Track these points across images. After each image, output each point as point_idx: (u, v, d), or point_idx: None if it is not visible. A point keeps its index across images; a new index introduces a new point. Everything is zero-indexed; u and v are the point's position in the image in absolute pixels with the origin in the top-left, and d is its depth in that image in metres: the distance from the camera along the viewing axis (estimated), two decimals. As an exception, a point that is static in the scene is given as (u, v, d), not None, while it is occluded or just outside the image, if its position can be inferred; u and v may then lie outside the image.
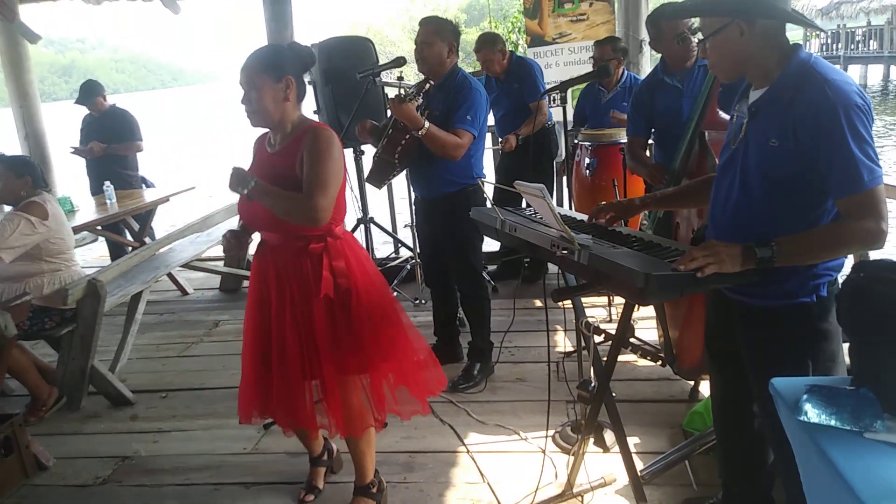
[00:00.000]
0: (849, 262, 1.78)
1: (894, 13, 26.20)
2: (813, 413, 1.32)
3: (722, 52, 1.72)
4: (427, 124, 3.01)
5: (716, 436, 2.25)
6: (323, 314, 2.22)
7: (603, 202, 2.15)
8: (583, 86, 4.49)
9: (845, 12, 26.14)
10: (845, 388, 1.36)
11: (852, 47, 26.65)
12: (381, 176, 3.34)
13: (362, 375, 2.36)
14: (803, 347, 1.74)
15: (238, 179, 2.08)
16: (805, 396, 1.35)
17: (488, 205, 2.27)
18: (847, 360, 1.76)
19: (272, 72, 2.12)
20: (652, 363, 3.47)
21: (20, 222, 3.29)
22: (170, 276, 5.18)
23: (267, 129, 2.29)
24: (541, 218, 2.09)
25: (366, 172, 4.31)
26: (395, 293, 4.78)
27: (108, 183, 5.13)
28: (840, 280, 1.73)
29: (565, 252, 1.79)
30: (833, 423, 1.30)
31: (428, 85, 3.10)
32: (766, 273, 1.63)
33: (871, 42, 26.30)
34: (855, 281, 1.37)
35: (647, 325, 3.79)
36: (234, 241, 2.38)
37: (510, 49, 4.66)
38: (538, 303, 4.46)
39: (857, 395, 1.32)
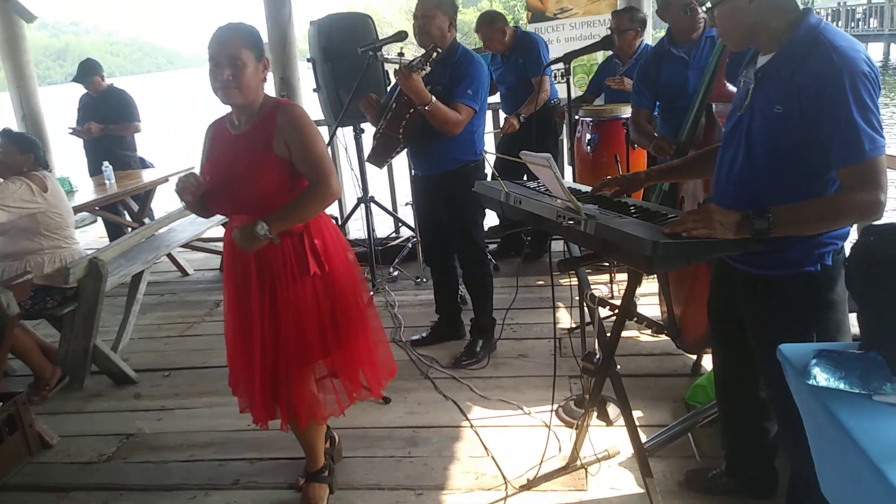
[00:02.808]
0: (854, 231, 1.77)
1: (895, -10, 26.08)
2: (822, 377, 1.32)
3: (730, 21, 1.69)
4: (433, 99, 2.98)
5: (718, 407, 2.26)
6: (309, 296, 2.18)
7: (608, 176, 2.15)
8: (590, 58, 4.45)
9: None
10: (854, 352, 1.36)
11: (852, 25, 26.52)
12: (383, 154, 3.30)
13: (322, 362, 2.31)
14: (808, 317, 1.74)
15: (249, 235, 2.00)
16: (814, 361, 1.34)
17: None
18: (852, 328, 1.76)
19: (256, 49, 2.05)
20: (654, 338, 3.51)
21: (21, 185, 3.33)
22: (170, 256, 5.17)
23: (225, 113, 2.22)
24: (545, 190, 2.08)
25: (366, 152, 4.30)
26: (396, 272, 4.80)
27: (106, 163, 5.11)
28: (846, 248, 1.73)
29: (571, 222, 1.78)
30: (842, 386, 1.30)
31: (435, 53, 2.99)
32: (770, 242, 1.62)
33: (872, 20, 26.23)
34: (865, 244, 1.36)
35: (648, 302, 3.79)
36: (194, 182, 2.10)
37: (514, 25, 4.62)
38: (540, 281, 4.46)
39: (866, 358, 1.32)
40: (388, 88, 3.43)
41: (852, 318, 1.71)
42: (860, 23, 26.37)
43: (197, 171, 2.24)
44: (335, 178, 2.10)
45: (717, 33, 1.84)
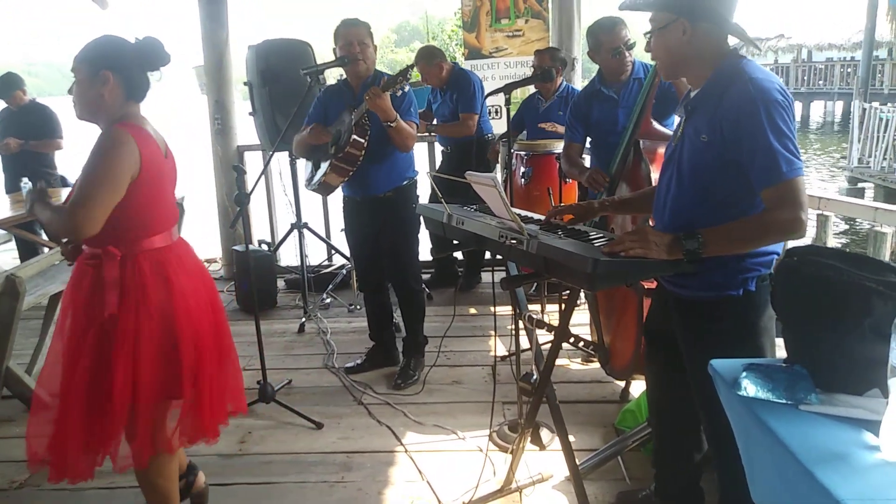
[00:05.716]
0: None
1: (799, 52, 28.06)
2: (751, 388, 1.39)
3: (665, 48, 1.81)
4: (398, 116, 3.03)
5: (650, 426, 2.33)
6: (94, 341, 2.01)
7: (562, 204, 2.21)
8: (523, 93, 4.60)
9: (755, 49, 27.73)
10: (780, 366, 1.44)
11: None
12: (336, 181, 3.26)
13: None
14: (731, 339, 1.81)
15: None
16: (744, 374, 1.42)
17: (422, 199, 2.28)
18: (775, 354, 1.86)
19: (88, 64, 1.96)
20: (584, 366, 3.59)
21: None
22: (90, 279, 4.95)
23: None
24: (486, 211, 2.13)
25: (300, 177, 4.27)
26: (329, 299, 4.76)
27: (25, 179, 4.86)
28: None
29: (514, 242, 1.83)
30: (770, 397, 1.37)
31: (403, 78, 3.01)
32: (701, 263, 1.70)
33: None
34: (787, 264, 1.46)
35: (580, 331, 3.86)
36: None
37: (452, 61, 4.74)
38: (472, 310, 4.51)
39: (791, 371, 1.40)
40: (311, 110, 3.43)
41: (779, 343, 1.80)
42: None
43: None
44: (82, 214, 1.93)
45: (652, 58, 1.92)
